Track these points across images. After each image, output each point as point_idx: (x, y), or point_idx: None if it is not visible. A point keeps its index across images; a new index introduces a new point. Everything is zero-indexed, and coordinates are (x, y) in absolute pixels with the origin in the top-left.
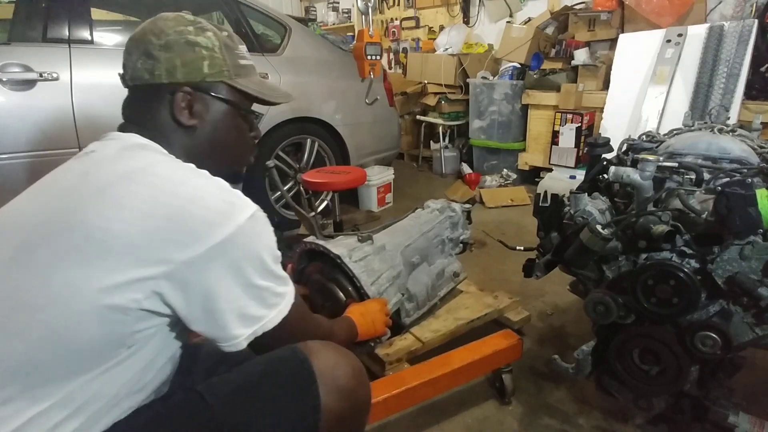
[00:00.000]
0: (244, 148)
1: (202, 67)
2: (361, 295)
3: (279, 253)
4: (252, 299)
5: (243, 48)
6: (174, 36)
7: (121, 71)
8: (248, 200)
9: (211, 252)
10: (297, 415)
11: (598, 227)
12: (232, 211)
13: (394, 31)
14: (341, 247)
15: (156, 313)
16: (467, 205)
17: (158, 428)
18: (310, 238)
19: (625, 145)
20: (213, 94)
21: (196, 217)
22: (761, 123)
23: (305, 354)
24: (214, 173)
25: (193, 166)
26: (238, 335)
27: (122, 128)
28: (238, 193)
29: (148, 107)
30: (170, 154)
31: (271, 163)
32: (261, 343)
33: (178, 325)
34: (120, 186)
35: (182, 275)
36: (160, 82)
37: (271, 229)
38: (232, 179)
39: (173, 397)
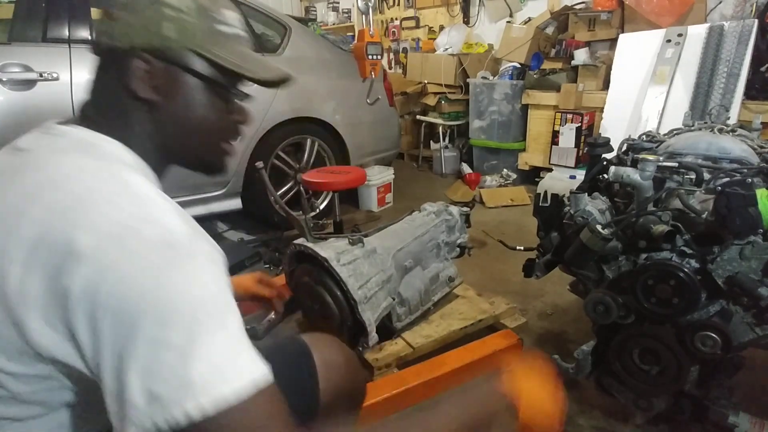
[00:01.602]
0: (222, 134)
1: (167, 31)
2: (348, 299)
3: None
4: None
5: (229, 14)
6: None
7: None
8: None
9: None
10: (297, 394)
11: (598, 227)
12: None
13: (394, 31)
14: (329, 249)
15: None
16: (465, 209)
17: None
18: (300, 240)
19: (625, 145)
20: (180, 64)
21: None
22: (761, 123)
23: (304, 341)
24: (186, 163)
25: (135, 180)
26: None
27: (76, 117)
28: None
29: (105, 81)
30: (127, 147)
31: (260, 164)
32: None
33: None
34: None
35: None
36: (118, 46)
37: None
38: (210, 170)
39: None
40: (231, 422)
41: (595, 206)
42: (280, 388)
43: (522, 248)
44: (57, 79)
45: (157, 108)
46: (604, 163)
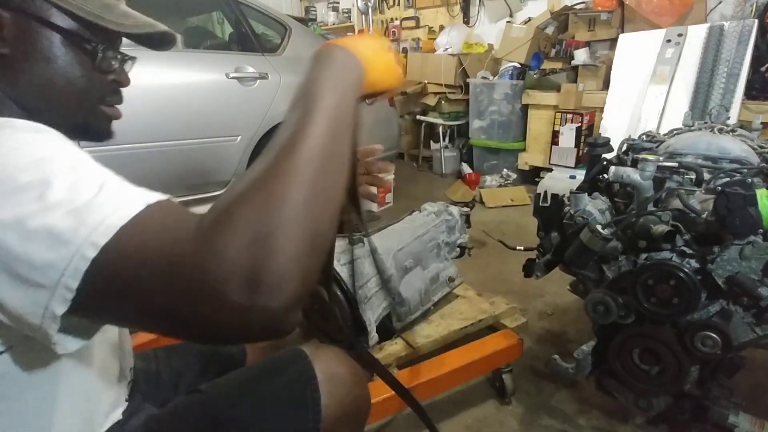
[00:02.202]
0: (96, 95)
1: None
2: (348, 299)
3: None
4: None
5: None
6: None
7: None
8: None
9: None
10: (300, 408)
11: (598, 227)
12: None
13: (394, 31)
14: None
15: None
16: (465, 209)
17: (158, 427)
18: None
19: (625, 145)
20: (33, 14)
21: None
22: (761, 123)
23: (305, 352)
24: (58, 125)
25: None
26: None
27: None
28: None
29: None
30: None
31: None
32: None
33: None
34: None
35: None
36: None
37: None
38: (92, 135)
39: (174, 399)
40: (131, 242)
41: (595, 206)
42: (280, 403)
43: (522, 248)
44: None
45: (9, 63)
46: (604, 163)
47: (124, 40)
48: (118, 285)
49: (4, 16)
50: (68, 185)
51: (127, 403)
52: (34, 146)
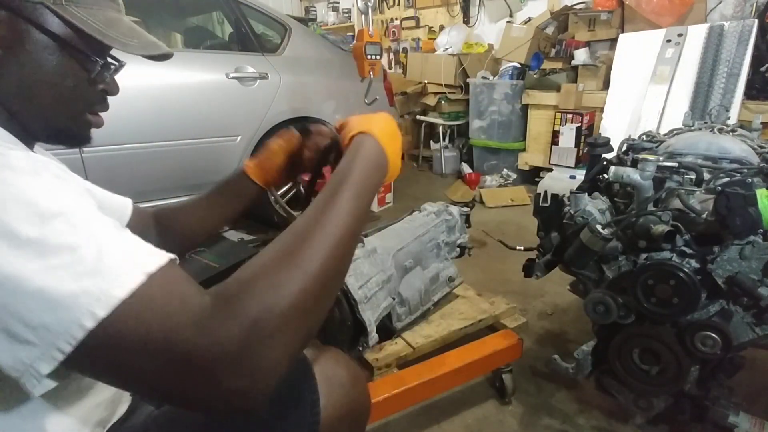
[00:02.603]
0: (83, 103)
1: None
2: (348, 299)
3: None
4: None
5: None
6: None
7: None
8: None
9: None
10: (297, 408)
11: (598, 227)
12: None
13: (394, 31)
14: None
15: None
16: (465, 209)
17: (156, 427)
18: None
19: (625, 145)
20: (27, 17)
21: None
22: (761, 123)
23: (303, 354)
24: (36, 128)
25: None
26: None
27: None
28: None
29: None
30: None
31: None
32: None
33: None
34: None
35: None
36: None
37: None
38: (70, 141)
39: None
40: (130, 318)
41: (595, 206)
42: (278, 404)
43: (522, 248)
44: None
45: (1, 64)
46: (604, 163)
47: None
48: (110, 357)
49: (2, 17)
50: (70, 246)
51: (131, 398)
52: (35, 195)
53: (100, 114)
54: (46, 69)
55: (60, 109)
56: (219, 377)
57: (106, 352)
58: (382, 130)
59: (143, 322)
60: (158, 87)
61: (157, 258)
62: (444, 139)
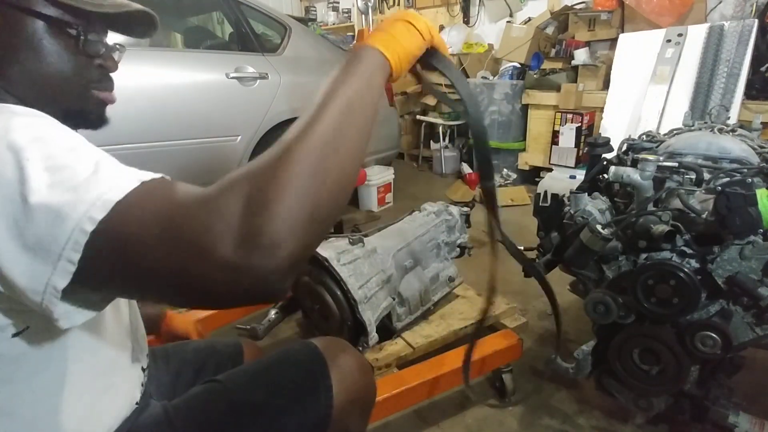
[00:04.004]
0: (77, 78)
1: None
2: (348, 299)
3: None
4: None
5: None
6: None
7: None
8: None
9: None
10: (313, 394)
11: (598, 227)
12: None
13: None
14: (330, 249)
15: None
16: (465, 209)
17: (176, 414)
18: None
19: (625, 145)
20: (16, 4)
21: None
22: (761, 123)
23: (315, 344)
24: (48, 112)
25: None
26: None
27: None
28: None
29: None
30: None
31: None
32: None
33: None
34: None
35: None
36: None
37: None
38: (88, 123)
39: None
40: (128, 214)
41: (595, 206)
42: (295, 389)
43: (522, 248)
44: None
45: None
46: (604, 163)
47: (112, 33)
48: (116, 253)
49: None
50: (67, 165)
51: (143, 388)
52: (33, 128)
53: (110, 92)
54: (41, 51)
55: (63, 88)
56: (222, 249)
57: (111, 250)
58: (380, 33)
59: (142, 211)
60: (159, 87)
61: (150, 173)
62: (444, 139)
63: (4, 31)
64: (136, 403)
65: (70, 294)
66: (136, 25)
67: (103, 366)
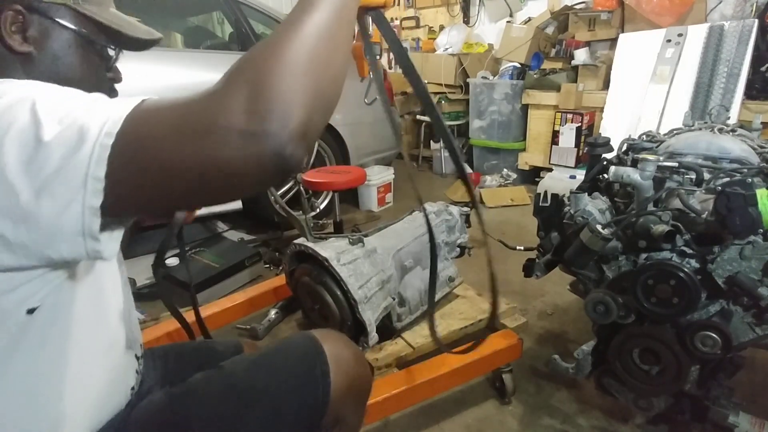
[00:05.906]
0: (94, 89)
1: None
2: (348, 299)
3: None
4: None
5: None
6: None
7: None
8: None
9: None
10: (310, 380)
11: (598, 227)
12: None
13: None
14: (330, 249)
15: None
16: (465, 209)
17: (177, 399)
18: (300, 240)
19: (625, 145)
20: (53, 18)
21: None
22: (761, 123)
23: (313, 334)
24: None
25: None
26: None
27: None
28: None
29: None
30: None
31: None
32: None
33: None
34: None
35: None
36: None
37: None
38: None
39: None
40: (141, 120)
41: (595, 206)
42: (294, 376)
43: (522, 248)
44: None
45: (32, 61)
46: (604, 163)
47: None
48: (138, 155)
49: (31, 19)
50: (72, 100)
51: (139, 376)
52: (32, 84)
53: None
54: (69, 62)
55: None
56: (241, 122)
57: (135, 157)
58: None
59: (157, 117)
60: (158, 87)
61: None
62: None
63: (41, 41)
64: (132, 388)
65: (104, 221)
66: (142, 44)
67: (100, 347)
